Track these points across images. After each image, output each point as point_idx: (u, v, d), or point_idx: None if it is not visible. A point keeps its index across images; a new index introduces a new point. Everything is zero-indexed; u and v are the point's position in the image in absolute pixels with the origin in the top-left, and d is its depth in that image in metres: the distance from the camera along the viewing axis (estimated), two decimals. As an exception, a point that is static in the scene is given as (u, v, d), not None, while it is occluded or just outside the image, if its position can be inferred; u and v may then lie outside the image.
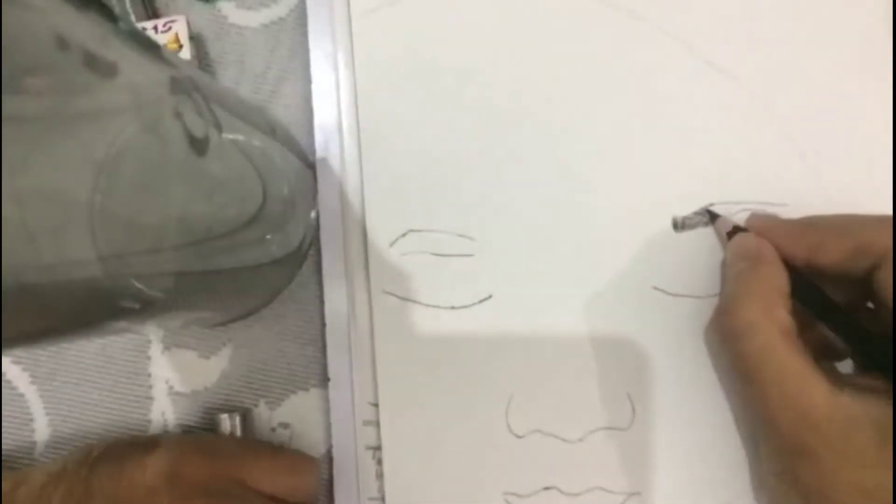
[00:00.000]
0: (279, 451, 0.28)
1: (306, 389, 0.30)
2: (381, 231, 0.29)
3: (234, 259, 0.24)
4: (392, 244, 0.29)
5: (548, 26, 0.30)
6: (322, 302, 0.30)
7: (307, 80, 0.31)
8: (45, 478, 0.25)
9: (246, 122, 0.25)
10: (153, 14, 0.31)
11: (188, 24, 0.30)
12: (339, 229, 0.29)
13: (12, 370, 0.31)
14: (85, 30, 0.15)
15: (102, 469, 0.25)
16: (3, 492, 0.24)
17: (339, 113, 0.30)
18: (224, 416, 0.29)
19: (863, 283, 0.23)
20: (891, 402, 0.20)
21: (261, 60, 0.32)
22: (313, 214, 0.30)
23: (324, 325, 0.29)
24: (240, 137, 0.24)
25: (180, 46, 0.30)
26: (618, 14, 0.30)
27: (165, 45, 0.29)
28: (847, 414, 0.21)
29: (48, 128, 0.13)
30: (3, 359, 0.30)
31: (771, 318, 0.22)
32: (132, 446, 0.26)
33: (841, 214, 0.25)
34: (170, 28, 0.30)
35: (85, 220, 0.14)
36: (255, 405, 0.30)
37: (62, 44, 0.14)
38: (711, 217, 0.28)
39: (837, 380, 0.22)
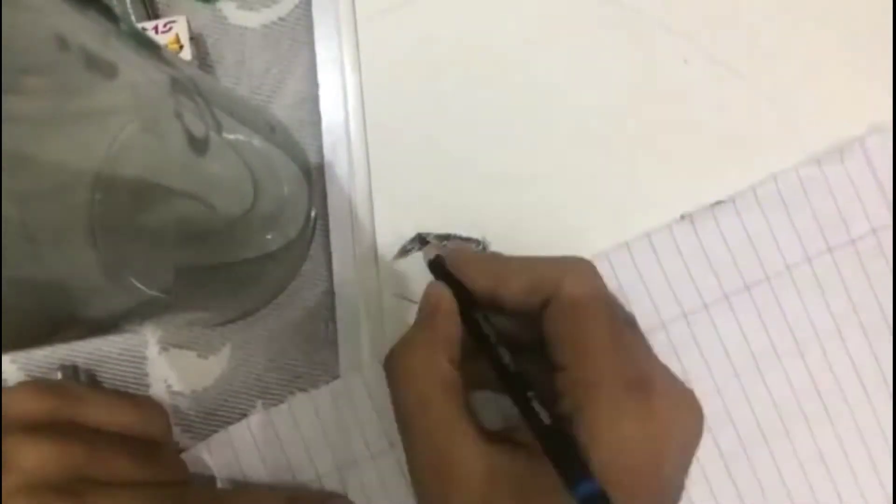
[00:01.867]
0: (122, 393, 0.29)
1: (305, 390, 0.30)
2: (390, 234, 0.29)
3: (229, 254, 0.24)
4: (401, 247, 0.29)
5: (553, 27, 0.30)
6: (324, 303, 0.30)
7: (307, 81, 0.31)
8: None
9: (245, 123, 0.25)
10: (154, 14, 0.31)
11: (189, 24, 0.30)
12: (348, 233, 0.29)
13: (8, 368, 0.31)
14: (85, 30, 0.15)
15: None
16: None
17: (347, 117, 0.30)
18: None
19: (538, 321, 0.23)
20: (531, 455, 0.20)
21: (261, 61, 0.32)
22: (313, 213, 0.30)
23: (335, 329, 0.29)
24: (239, 137, 0.24)
25: (181, 47, 0.30)
26: (622, 12, 0.30)
27: (166, 46, 0.29)
28: (488, 467, 0.20)
29: (48, 128, 0.13)
30: None
31: (432, 367, 0.22)
32: None
33: (527, 256, 0.25)
34: (170, 28, 0.30)
35: (85, 220, 0.14)
36: (254, 405, 0.30)
37: (62, 44, 0.14)
38: (421, 242, 0.28)
39: (491, 433, 0.21)
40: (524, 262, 0.24)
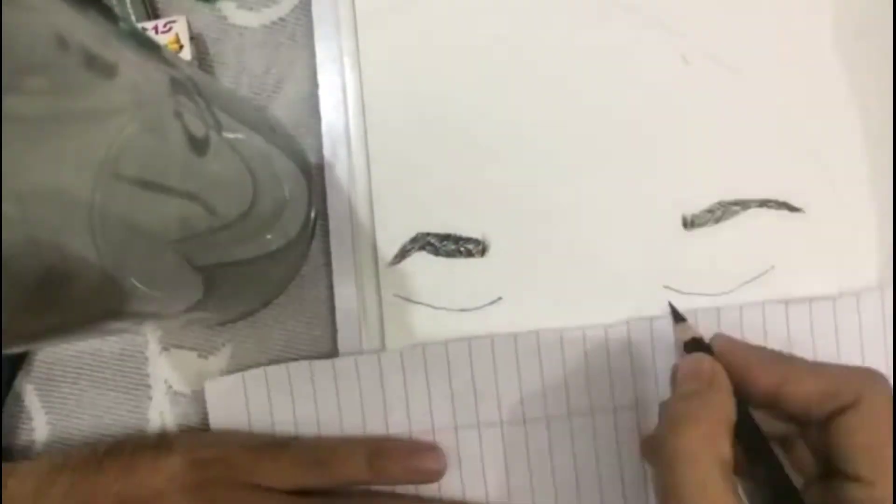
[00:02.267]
0: (285, 448, 0.28)
1: (305, 390, 0.30)
2: (390, 234, 0.29)
3: (228, 254, 0.24)
4: (401, 247, 0.29)
5: (555, 27, 0.30)
6: (324, 303, 0.30)
7: (307, 81, 0.31)
8: (44, 469, 0.25)
9: (245, 123, 0.25)
10: (153, 14, 0.31)
11: (188, 24, 0.30)
12: (348, 234, 0.30)
13: (17, 376, 0.31)
14: (85, 30, 0.15)
15: (110, 466, 0.25)
16: None
17: (347, 117, 0.30)
18: None
19: (820, 426, 0.23)
20: None
21: (261, 61, 0.32)
22: (312, 213, 0.30)
23: (335, 329, 0.29)
24: (239, 137, 0.24)
25: (181, 47, 0.30)
26: (623, 12, 0.30)
27: (166, 46, 0.29)
28: None
29: (48, 128, 0.13)
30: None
31: (713, 449, 0.22)
32: (144, 446, 0.26)
33: (811, 360, 0.25)
34: (170, 28, 0.30)
35: (85, 220, 0.14)
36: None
37: (62, 44, 0.14)
38: (675, 318, 0.27)
39: None
40: (816, 367, 0.24)
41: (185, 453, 0.26)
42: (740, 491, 0.22)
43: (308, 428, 0.28)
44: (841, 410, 0.22)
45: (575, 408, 0.28)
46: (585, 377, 0.28)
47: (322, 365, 0.29)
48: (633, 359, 0.28)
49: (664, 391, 0.28)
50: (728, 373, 0.24)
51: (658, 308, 0.29)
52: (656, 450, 0.23)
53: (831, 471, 0.22)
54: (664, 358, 0.28)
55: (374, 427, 0.28)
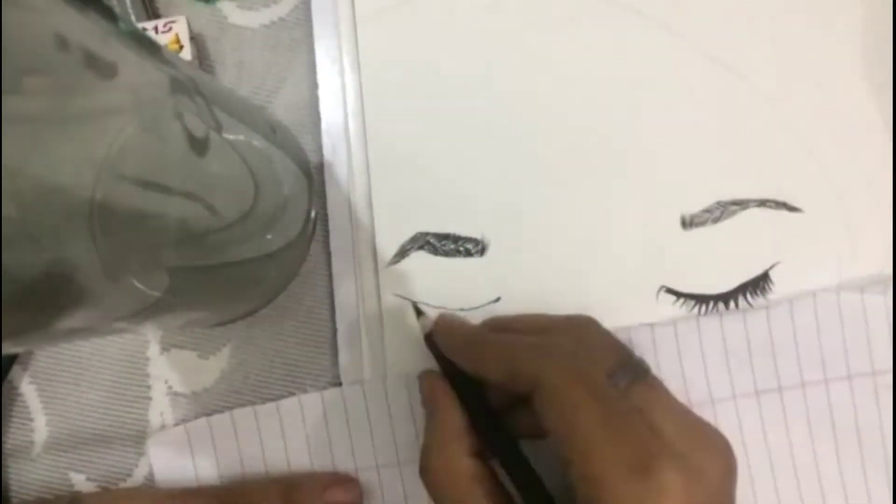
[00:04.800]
0: (196, 495, 0.27)
1: (304, 390, 0.30)
2: (389, 234, 0.29)
3: (228, 254, 0.24)
4: (401, 247, 0.29)
5: (555, 27, 0.30)
6: (324, 303, 0.30)
7: (307, 81, 0.31)
8: None
9: (245, 123, 0.25)
10: (153, 14, 0.31)
11: (189, 24, 0.30)
12: (348, 233, 0.30)
13: (12, 369, 0.31)
14: (85, 30, 0.15)
15: None
16: None
17: (346, 117, 0.30)
18: None
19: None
20: None
21: (261, 61, 0.32)
22: (312, 213, 0.30)
23: (335, 329, 0.29)
24: (239, 137, 0.24)
25: (181, 47, 0.30)
26: (624, 13, 0.30)
27: (166, 46, 0.29)
28: None
29: (48, 128, 0.13)
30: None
31: (454, 469, 0.22)
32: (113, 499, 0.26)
33: (503, 336, 0.24)
34: (170, 28, 0.30)
35: (85, 219, 0.15)
36: (254, 405, 0.30)
37: (62, 44, 0.14)
38: (416, 312, 0.28)
39: None
40: (502, 348, 0.23)
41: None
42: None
43: (256, 474, 0.29)
44: (529, 394, 0.21)
45: None
46: None
47: (266, 409, 0.29)
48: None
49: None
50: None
51: (657, 310, 0.29)
52: (420, 478, 0.23)
53: None
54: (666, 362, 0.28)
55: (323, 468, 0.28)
